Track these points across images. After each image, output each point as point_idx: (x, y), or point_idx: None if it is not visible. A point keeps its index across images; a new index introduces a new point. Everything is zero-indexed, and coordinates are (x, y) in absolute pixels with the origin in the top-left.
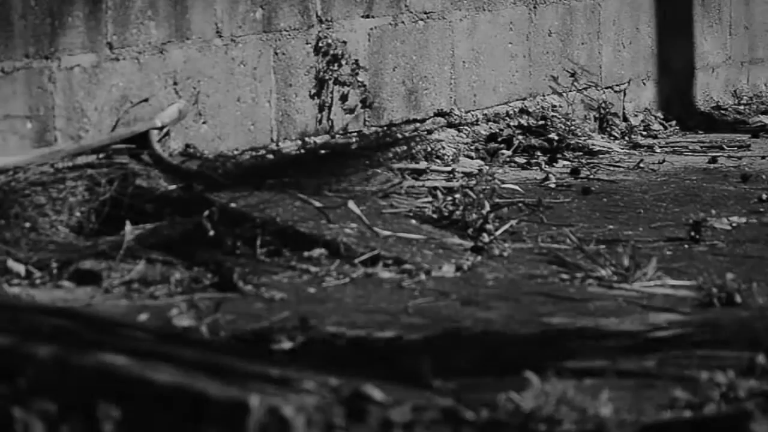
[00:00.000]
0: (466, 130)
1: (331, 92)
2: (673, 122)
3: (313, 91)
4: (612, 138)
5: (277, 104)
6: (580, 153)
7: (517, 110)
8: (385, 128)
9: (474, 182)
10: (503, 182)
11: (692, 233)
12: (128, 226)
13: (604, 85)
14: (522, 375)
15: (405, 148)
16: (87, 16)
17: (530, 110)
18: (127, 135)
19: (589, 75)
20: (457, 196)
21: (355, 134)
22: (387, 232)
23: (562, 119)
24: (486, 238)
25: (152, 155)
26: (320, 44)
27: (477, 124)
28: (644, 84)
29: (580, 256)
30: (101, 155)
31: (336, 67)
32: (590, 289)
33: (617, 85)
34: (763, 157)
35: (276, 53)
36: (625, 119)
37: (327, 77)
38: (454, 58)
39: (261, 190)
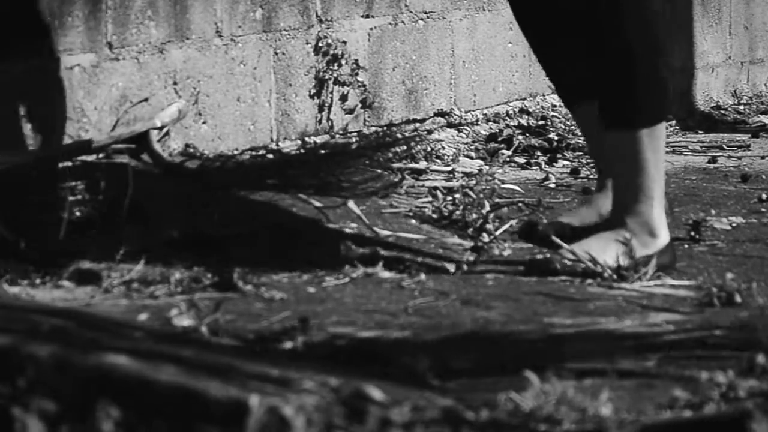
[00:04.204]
0: (466, 130)
1: (331, 92)
2: (673, 122)
3: (313, 91)
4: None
5: (277, 104)
6: (580, 153)
7: (517, 110)
8: (385, 128)
9: (474, 182)
10: (503, 182)
11: (692, 233)
12: (129, 226)
13: None
14: (522, 375)
15: (405, 148)
16: (87, 15)
17: (530, 110)
18: (127, 135)
19: None
20: (457, 196)
21: (355, 134)
22: (387, 232)
23: (562, 119)
24: (486, 237)
25: (152, 155)
26: (320, 44)
27: (477, 124)
28: None
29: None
30: (101, 155)
31: (336, 67)
32: (590, 288)
33: None
34: (762, 157)
35: (276, 53)
36: None
37: (327, 77)
38: (454, 58)
39: (261, 190)
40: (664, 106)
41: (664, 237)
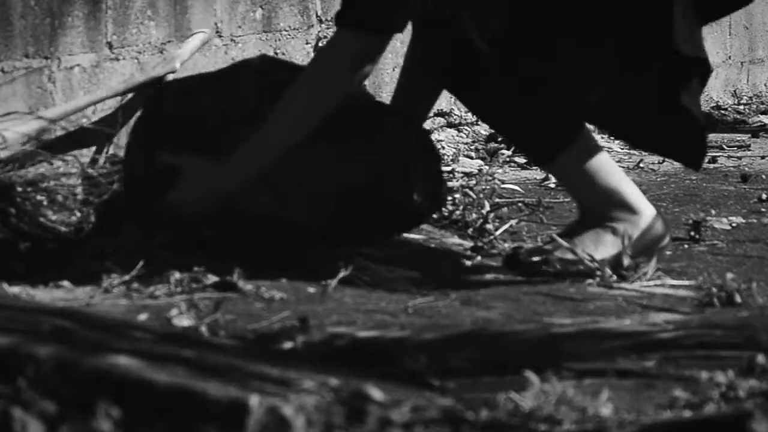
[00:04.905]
0: (466, 130)
1: None
2: None
3: None
4: (612, 138)
5: None
6: None
7: None
8: None
9: (474, 182)
10: (503, 182)
11: (692, 233)
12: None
13: None
14: (522, 375)
15: None
16: (87, 16)
17: None
18: (143, 80)
19: None
20: (457, 196)
21: None
22: None
23: None
24: (486, 238)
25: (159, 105)
26: (320, 44)
27: (477, 124)
28: None
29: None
30: (123, 98)
31: None
32: (590, 288)
33: None
34: (762, 157)
35: (276, 53)
36: None
37: None
38: None
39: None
40: (574, 124)
41: (647, 210)
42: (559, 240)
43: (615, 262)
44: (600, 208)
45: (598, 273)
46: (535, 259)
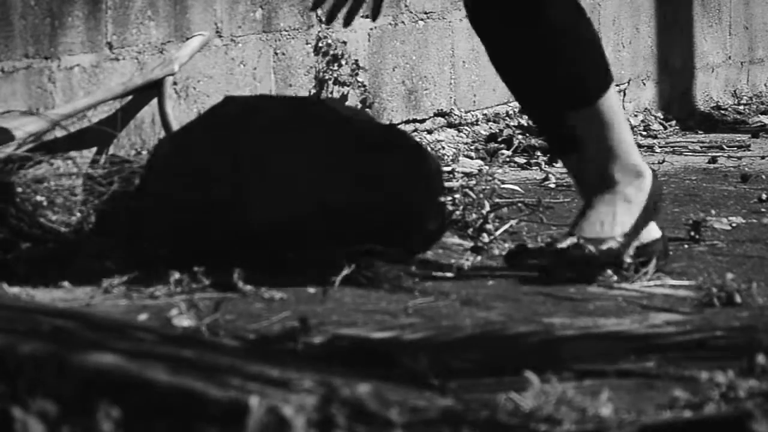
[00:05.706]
0: (466, 130)
1: (331, 92)
2: (673, 122)
3: (313, 91)
4: None
5: None
6: None
7: (516, 110)
8: None
9: (474, 182)
10: (503, 182)
11: (692, 233)
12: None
13: None
14: (522, 375)
15: None
16: (87, 16)
17: None
18: (142, 83)
19: None
20: (457, 196)
21: None
22: None
23: None
24: (486, 238)
25: (162, 112)
26: (320, 44)
27: (477, 124)
28: (644, 84)
29: None
30: (103, 160)
31: (336, 68)
32: (590, 288)
33: (617, 85)
34: (762, 157)
35: (276, 53)
36: None
37: (327, 77)
38: (454, 58)
39: None
40: (608, 68)
41: (648, 172)
42: (569, 240)
43: (616, 258)
44: (610, 168)
45: (601, 277)
46: (537, 261)
